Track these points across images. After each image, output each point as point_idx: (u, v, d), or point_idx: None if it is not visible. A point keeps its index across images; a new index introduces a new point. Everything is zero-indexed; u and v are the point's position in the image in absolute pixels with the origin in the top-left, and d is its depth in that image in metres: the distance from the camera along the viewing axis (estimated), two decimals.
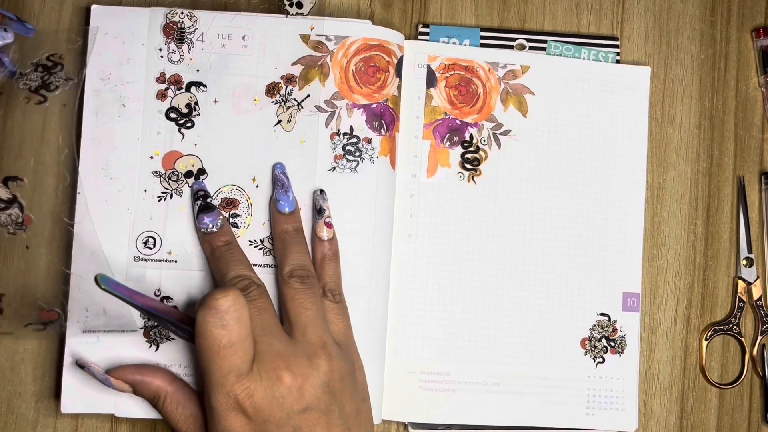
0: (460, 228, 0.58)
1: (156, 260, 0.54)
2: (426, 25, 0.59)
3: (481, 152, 0.58)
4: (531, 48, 0.60)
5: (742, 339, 0.59)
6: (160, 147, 0.55)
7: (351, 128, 0.56)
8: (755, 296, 0.60)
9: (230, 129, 0.56)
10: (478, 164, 0.58)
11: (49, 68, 0.53)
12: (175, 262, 0.54)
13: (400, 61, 0.57)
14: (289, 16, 0.56)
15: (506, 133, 0.59)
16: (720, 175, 0.61)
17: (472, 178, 0.58)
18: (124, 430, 0.56)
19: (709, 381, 0.59)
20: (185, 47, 0.56)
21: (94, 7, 0.56)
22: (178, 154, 0.55)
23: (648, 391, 0.58)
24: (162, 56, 0.56)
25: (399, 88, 0.57)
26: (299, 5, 0.56)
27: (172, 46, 0.56)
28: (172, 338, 0.54)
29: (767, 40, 0.61)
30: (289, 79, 0.56)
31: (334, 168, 0.56)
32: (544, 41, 0.60)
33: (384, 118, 0.56)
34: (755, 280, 0.60)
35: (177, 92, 0.56)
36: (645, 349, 0.59)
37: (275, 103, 0.56)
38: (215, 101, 0.56)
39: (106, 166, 0.55)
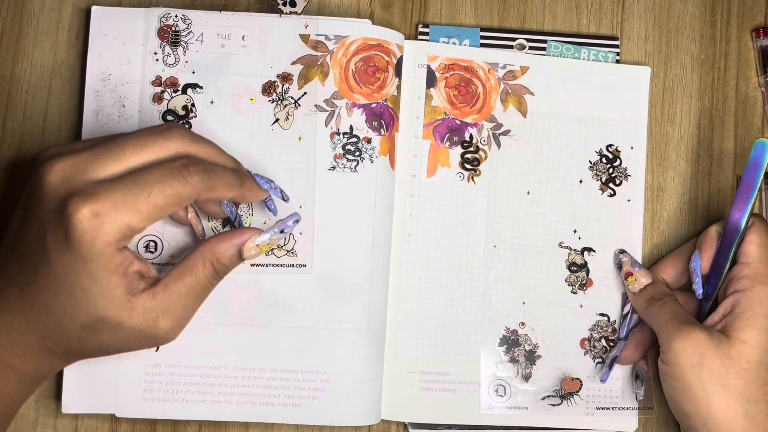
0: (459, 228, 0.58)
1: (158, 264, 0.54)
2: (426, 25, 0.59)
3: (480, 152, 0.58)
4: (531, 48, 0.60)
5: None
6: None
7: (351, 128, 0.56)
8: None
9: (228, 129, 0.56)
10: (478, 164, 0.58)
11: (612, 161, 0.57)
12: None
13: (400, 60, 0.57)
14: (283, 15, 0.57)
15: (506, 133, 0.59)
16: (720, 175, 0.61)
17: (472, 178, 0.58)
18: (124, 430, 0.56)
19: None
20: (180, 50, 0.56)
21: (94, 8, 0.56)
22: None
23: (648, 390, 0.58)
24: (157, 59, 0.56)
25: (398, 87, 0.57)
26: (293, 4, 0.56)
27: (167, 49, 0.56)
28: None
29: (767, 40, 0.61)
30: (285, 78, 0.56)
31: (333, 167, 0.56)
32: (544, 41, 0.60)
33: (383, 117, 0.56)
34: None
35: (173, 95, 0.56)
36: None
37: (272, 102, 0.56)
38: (211, 102, 0.56)
39: None
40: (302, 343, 0.55)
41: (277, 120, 0.56)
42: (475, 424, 0.57)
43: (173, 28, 0.56)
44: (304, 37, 0.56)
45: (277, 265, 0.55)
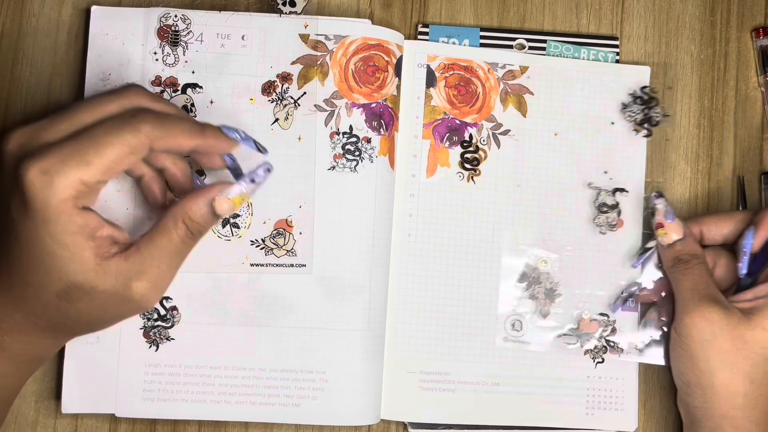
0: (459, 228, 0.58)
1: None
2: (425, 25, 0.59)
3: (480, 152, 0.58)
4: (531, 48, 0.60)
5: None
6: None
7: (350, 128, 0.56)
8: None
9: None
10: (478, 164, 0.58)
11: (647, 102, 0.57)
12: None
13: (400, 60, 0.57)
14: (282, 15, 0.57)
15: (506, 132, 0.59)
16: (720, 175, 0.61)
17: (472, 177, 0.58)
18: (124, 430, 0.56)
19: None
20: (180, 50, 0.56)
21: (93, 8, 0.56)
22: None
23: (648, 391, 0.58)
24: (157, 59, 0.56)
25: (398, 87, 0.57)
26: (292, 4, 0.56)
27: (167, 48, 0.56)
28: (173, 338, 0.54)
29: (767, 39, 0.61)
30: (285, 78, 0.56)
31: (333, 167, 0.56)
32: (544, 41, 0.60)
33: (383, 117, 0.56)
34: None
35: (173, 95, 0.56)
36: None
37: (272, 102, 0.56)
38: (211, 102, 0.56)
39: None
40: (302, 343, 0.55)
41: (276, 120, 0.56)
42: (475, 424, 0.57)
43: (173, 28, 0.56)
44: (304, 37, 0.56)
45: (277, 265, 0.55)
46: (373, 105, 0.56)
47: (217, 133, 0.49)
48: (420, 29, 0.59)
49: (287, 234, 0.55)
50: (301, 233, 0.55)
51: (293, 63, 0.56)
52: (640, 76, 0.60)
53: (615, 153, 0.59)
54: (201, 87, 0.56)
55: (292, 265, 0.55)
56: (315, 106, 0.56)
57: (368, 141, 0.56)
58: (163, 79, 0.56)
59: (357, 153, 0.56)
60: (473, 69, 0.59)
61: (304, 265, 0.55)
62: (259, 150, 0.52)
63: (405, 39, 0.58)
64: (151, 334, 0.54)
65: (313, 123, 0.56)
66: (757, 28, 0.61)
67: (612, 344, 0.58)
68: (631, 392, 0.58)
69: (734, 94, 0.61)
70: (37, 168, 0.42)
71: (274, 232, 0.55)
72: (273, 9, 0.57)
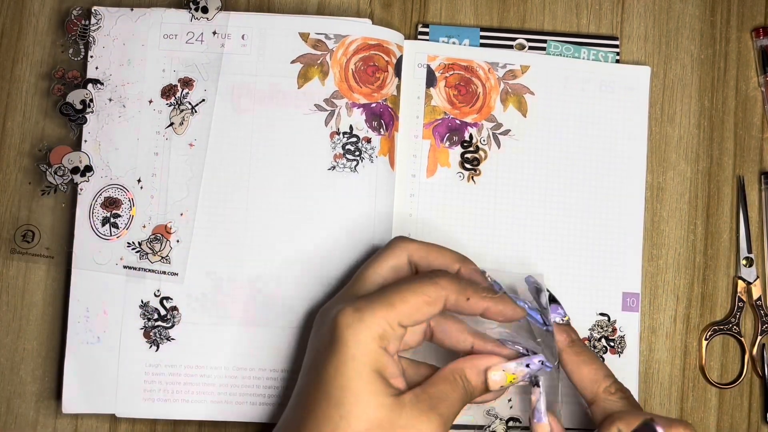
0: (459, 228, 0.58)
1: (33, 254, 0.55)
2: (426, 25, 0.59)
3: (480, 152, 0.58)
4: (531, 48, 0.60)
5: (742, 339, 0.59)
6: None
7: (350, 127, 0.56)
8: (755, 296, 0.59)
9: (120, 128, 0.56)
10: (478, 164, 0.58)
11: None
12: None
13: (400, 60, 0.57)
14: (193, 19, 0.56)
15: (506, 132, 0.59)
16: (720, 175, 0.61)
17: (472, 177, 0.58)
18: (124, 430, 0.56)
19: (708, 381, 0.59)
20: (89, 44, 0.56)
21: (95, 8, 0.56)
22: (66, 150, 0.55)
23: (648, 391, 0.58)
24: (63, 51, 0.56)
25: (398, 87, 0.57)
26: (204, 10, 0.56)
27: (76, 41, 0.56)
28: (173, 338, 0.54)
29: (767, 39, 0.61)
30: (186, 83, 0.56)
31: (333, 167, 0.56)
32: (544, 41, 0.60)
33: (383, 117, 0.56)
34: (755, 280, 0.60)
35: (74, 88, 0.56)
36: (645, 349, 0.59)
37: (170, 106, 0.56)
38: (110, 100, 0.56)
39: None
40: (302, 343, 0.55)
41: (171, 124, 0.56)
42: (475, 424, 0.57)
43: (82, 22, 0.56)
44: (304, 36, 0.56)
45: (150, 270, 0.55)
46: (373, 105, 0.56)
47: (506, 298, 0.49)
48: (420, 29, 0.59)
49: (164, 240, 0.55)
50: (178, 241, 0.55)
51: (293, 62, 0.56)
52: (640, 76, 0.60)
53: (615, 153, 0.59)
54: (102, 83, 0.56)
55: (164, 272, 0.55)
56: (315, 105, 0.56)
57: (368, 141, 0.56)
58: (65, 73, 0.56)
59: (357, 153, 0.56)
60: (473, 69, 0.59)
61: (176, 274, 0.55)
62: (545, 324, 0.51)
63: (405, 39, 0.58)
64: (151, 334, 0.54)
65: (314, 123, 0.56)
66: (757, 28, 0.61)
67: (612, 344, 0.58)
68: (631, 392, 0.57)
69: (734, 94, 0.61)
70: (350, 308, 0.46)
71: (152, 236, 0.55)
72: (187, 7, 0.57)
